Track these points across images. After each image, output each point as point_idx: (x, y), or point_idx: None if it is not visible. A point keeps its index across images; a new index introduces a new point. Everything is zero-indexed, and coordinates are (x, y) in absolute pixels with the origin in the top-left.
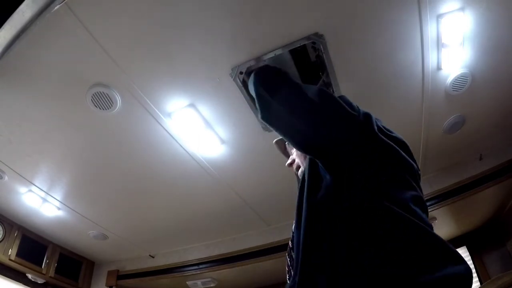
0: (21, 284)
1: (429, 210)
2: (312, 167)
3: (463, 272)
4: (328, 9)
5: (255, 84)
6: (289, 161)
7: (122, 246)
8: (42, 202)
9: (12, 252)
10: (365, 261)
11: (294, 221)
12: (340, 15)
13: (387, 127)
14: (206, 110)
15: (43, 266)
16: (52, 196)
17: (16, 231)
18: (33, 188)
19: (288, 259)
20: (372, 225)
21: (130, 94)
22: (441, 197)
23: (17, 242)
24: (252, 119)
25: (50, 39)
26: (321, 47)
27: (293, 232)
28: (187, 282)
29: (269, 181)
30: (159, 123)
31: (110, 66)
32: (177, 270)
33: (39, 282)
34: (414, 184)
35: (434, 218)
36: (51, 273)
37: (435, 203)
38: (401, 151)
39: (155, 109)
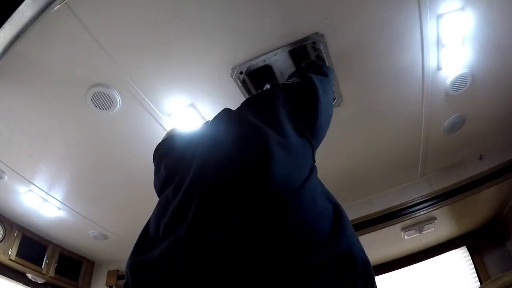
0: (21, 284)
1: (429, 210)
2: None
3: None
4: (328, 9)
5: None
6: None
7: (122, 246)
8: (42, 202)
9: (12, 252)
10: None
11: None
12: (340, 15)
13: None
14: (206, 110)
15: (43, 266)
16: (52, 196)
17: (16, 231)
18: (33, 188)
19: None
20: None
21: (130, 94)
22: (441, 197)
23: (17, 242)
24: None
25: (50, 39)
26: (321, 47)
27: None
28: None
29: None
30: (159, 123)
31: (110, 66)
32: None
33: (39, 282)
34: None
35: (434, 218)
36: (51, 273)
37: (435, 203)
38: None
39: (155, 109)
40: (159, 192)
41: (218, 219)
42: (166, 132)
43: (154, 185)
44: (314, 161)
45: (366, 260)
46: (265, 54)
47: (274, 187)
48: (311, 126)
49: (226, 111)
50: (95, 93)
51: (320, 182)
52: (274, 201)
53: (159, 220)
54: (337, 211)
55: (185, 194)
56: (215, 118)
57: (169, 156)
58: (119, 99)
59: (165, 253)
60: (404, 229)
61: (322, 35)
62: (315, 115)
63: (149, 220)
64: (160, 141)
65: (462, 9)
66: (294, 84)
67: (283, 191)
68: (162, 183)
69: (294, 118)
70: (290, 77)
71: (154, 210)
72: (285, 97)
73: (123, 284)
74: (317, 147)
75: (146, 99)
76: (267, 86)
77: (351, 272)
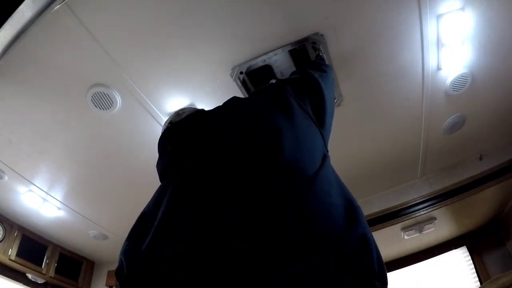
0: (21, 284)
1: (429, 210)
2: None
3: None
4: (328, 9)
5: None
6: None
7: None
8: (42, 202)
9: (12, 252)
10: None
11: None
12: (340, 15)
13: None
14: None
15: (43, 266)
16: (52, 196)
17: (16, 231)
18: (33, 188)
19: None
20: None
21: (130, 94)
22: (441, 197)
23: (17, 242)
24: None
25: (50, 39)
26: (321, 47)
27: None
28: None
29: None
30: (159, 123)
31: (110, 66)
32: None
33: (39, 282)
34: None
35: (434, 218)
36: (51, 273)
37: (435, 203)
38: None
39: (155, 109)
40: (161, 175)
41: (214, 212)
42: (174, 112)
43: (157, 167)
44: (327, 151)
45: (381, 258)
46: (265, 54)
47: (286, 175)
48: (319, 117)
49: (235, 100)
50: (95, 93)
51: (335, 173)
52: (286, 191)
53: (157, 206)
54: (352, 205)
55: (185, 184)
56: (225, 107)
57: (175, 140)
58: (119, 99)
59: (164, 242)
60: (404, 229)
61: (322, 35)
62: (322, 106)
63: (148, 206)
64: (168, 120)
65: (462, 9)
66: (296, 79)
67: (297, 178)
68: (164, 167)
69: (304, 108)
70: (291, 75)
71: (153, 195)
72: (293, 90)
73: (115, 271)
74: (326, 138)
75: (146, 99)
76: (273, 81)
77: (367, 271)
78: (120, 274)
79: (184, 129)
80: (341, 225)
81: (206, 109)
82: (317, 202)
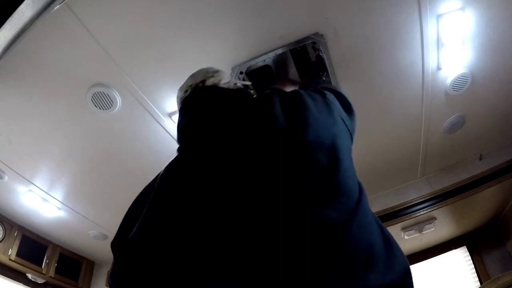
0: (21, 284)
1: (429, 210)
2: None
3: None
4: (328, 9)
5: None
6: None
7: None
8: (42, 202)
9: (12, 252)
10: None
11: None
12: (340, 15)
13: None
14: None
15: (43, 266)
16: (52, 196)
17: (16, 231)
18: (33, 188)
19: None
20: None
21: (130, 94)
22: (441, 197)
23: (17, 242)
24: None
25: (50, 39)
26: (321, 47)
27: None
28: None
29: None
30: (159, 123)
31: (110, 66)
32: None
33: (39, 282)
34: None
35: (434, 218)
36: (51, 273)
37: (435, 203)
38: None
39: (155, 109)
40: (184, 138)
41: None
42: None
43: (177, 128)
44: None
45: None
46: (265, 54)
47: (342, 197)
48: (351, 121)
49: (282, 95)
50: (95, 93)
51: None
52: (335, 218)
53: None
54: (380, 225)
55: (226, 185)
56: (276, 102)
57: (203, 111)
58: (119, 99)
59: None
60: (404, 229)
61: (322, 35)
62: (351, 112)
63: (161, 183)
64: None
65: (462, 9)
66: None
67: (346, 203)
68: (183, 137)
69: (343, 120)
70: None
71: (165, 170)
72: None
73: (112, 242)
74: None
75: (146, 99)
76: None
77: None
78: (124, 251)
79: (212, 105)
80: (383, 252)
81: None
82: (362, 227)
